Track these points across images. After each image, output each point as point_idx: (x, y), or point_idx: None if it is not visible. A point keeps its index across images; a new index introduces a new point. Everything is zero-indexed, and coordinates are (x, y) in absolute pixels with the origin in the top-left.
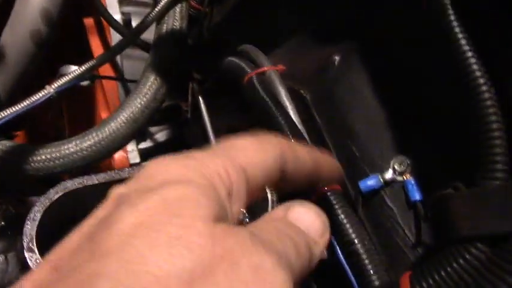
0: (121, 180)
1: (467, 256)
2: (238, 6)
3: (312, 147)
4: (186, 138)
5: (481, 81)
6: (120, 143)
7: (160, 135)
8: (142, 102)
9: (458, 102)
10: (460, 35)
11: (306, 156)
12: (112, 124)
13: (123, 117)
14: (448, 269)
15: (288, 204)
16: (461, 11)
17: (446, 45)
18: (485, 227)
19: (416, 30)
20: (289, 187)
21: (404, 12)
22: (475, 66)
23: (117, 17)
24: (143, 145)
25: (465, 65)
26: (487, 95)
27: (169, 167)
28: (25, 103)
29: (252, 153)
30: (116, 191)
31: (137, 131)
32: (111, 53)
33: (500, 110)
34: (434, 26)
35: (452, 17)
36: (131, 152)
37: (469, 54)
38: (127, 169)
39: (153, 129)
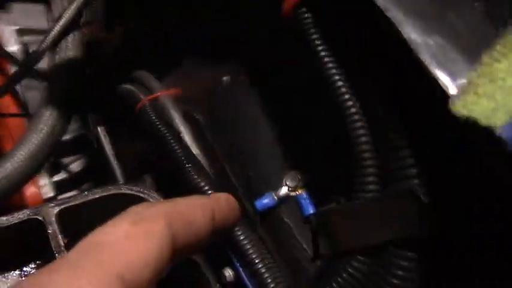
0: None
1: (349, 269)
2: (132, 33)
3: (203, 196)
4: (100, 165)
5: (346, 97)
6: (19, 182)
7: (74, 166)
8: (39, 139)
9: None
10: (322, 53)
11: (199, 217)
12: (8, 164)
13: (20, 156)
14: (333, 284)
15: None
16: (324, 31)
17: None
18: (362, 239)
19: (293, 50)
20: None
21: (280, 32)
22: (343, 90)
23: (16, 47)
24: (57, 177)
25: (330, 83)
26: (353, 110)
27: None
28: None
29: (128, 252)
30: None
31: (38, 168)
32: (4, 88)
33: (368, 124)
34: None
35: (317, 42)
36: (43, 186)
37: (333, 71)
38: (17, 214)
39: (66, 160)
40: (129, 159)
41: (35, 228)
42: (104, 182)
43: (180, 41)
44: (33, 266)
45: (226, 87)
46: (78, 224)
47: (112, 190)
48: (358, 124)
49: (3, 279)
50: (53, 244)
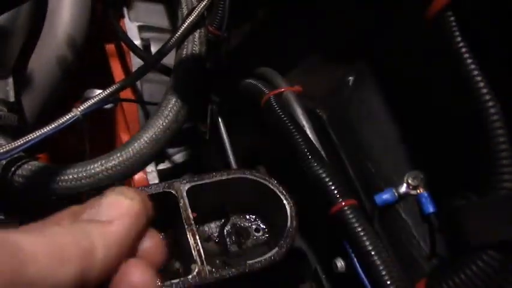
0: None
1: (480, 263)
2: (255, 31)
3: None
4: (203, 159)
5: (487, 97)
6: (143, 163)
7: (179, 157)
8: (164, 124)
9: (468, 117)
10: (466, 55)
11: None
12: (135, 144)
13: (146, 138)
14: (462, 276)
15: None
16: (466, 32)
17: (454, 64)
18: (496, 235)
19: (424, 49)
20: None
21: (411, 32)
22: (481, 84)
23: (137, 42)
24: (162, 166)
25: (471, 83)
26: (493, 110)
27: None
28: (53, 125)
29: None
30: None
31: (159, 151)
32: (134, 77)
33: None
34: (441, 46)
35: (459, 38)
36: (150, 172)
37: (475, 73)
38: (153, 185)
39: (171, 150)
40: (239, 151)
41: (162, 202)
42: None
43: (303, 40)
44: None
45: (353, 86)
46: (203, 200)
47: (237, 174)
48: (498, 124)
49: None
50: (183, 216)
